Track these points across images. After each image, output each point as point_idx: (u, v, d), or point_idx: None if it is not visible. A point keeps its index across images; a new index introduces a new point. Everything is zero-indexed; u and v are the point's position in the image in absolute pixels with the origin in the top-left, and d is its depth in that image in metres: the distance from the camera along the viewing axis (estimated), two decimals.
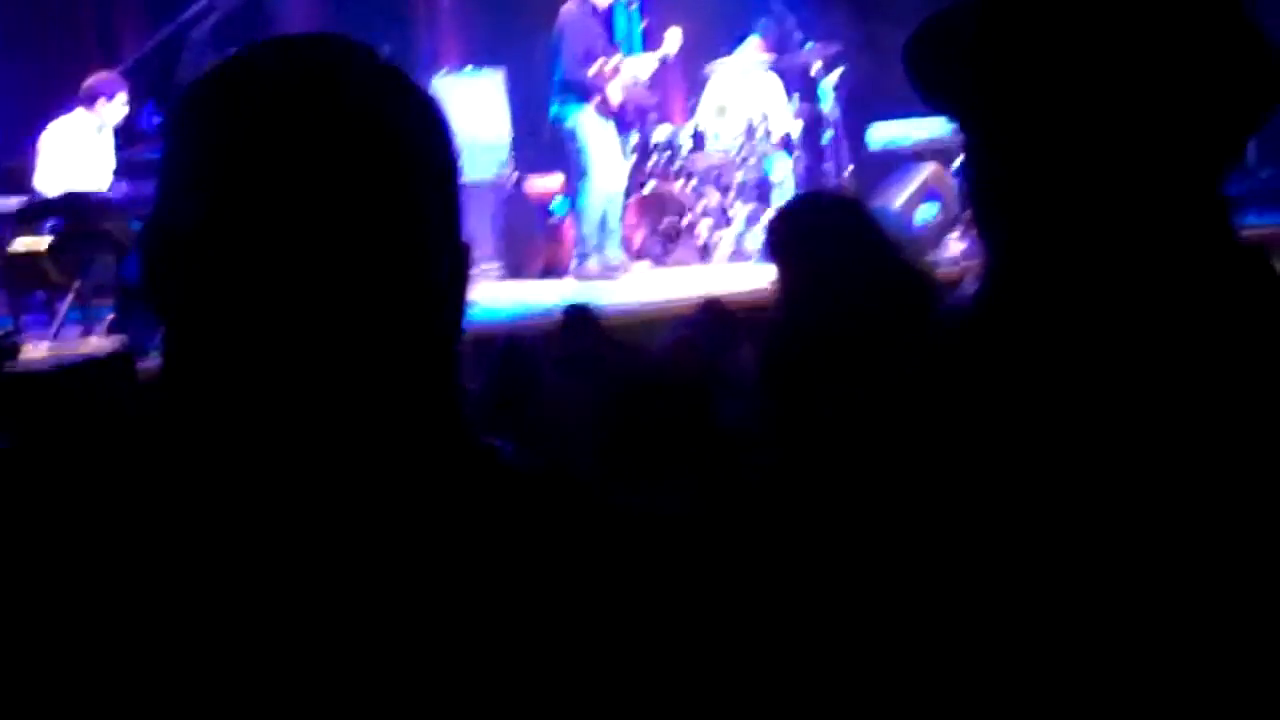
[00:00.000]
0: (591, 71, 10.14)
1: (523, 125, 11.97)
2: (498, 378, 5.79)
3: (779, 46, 11.24)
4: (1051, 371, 1.10)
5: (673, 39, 10.66)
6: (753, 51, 11.24)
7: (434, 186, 1.04)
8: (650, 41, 11.64)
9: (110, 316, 8.64)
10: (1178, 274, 1.12)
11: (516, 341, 6.49)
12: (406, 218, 1.00)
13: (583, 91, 10.12)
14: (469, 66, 12.35)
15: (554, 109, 10.33)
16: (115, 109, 9.22)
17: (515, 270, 10.81)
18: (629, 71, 10.47)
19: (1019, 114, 1.15)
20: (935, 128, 10.70)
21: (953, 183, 10.22)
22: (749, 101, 11.13)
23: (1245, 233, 1.18)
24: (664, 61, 10.86)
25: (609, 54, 10.37)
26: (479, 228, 11.14)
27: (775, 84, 11.34)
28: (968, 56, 1.18)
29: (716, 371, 5.90)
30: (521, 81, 12.13)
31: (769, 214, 10.70)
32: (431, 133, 1.06)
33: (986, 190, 1.20)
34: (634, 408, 3.87)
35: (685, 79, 12.31)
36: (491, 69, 12.29)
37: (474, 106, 11.94)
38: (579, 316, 7.10)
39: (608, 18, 11.09)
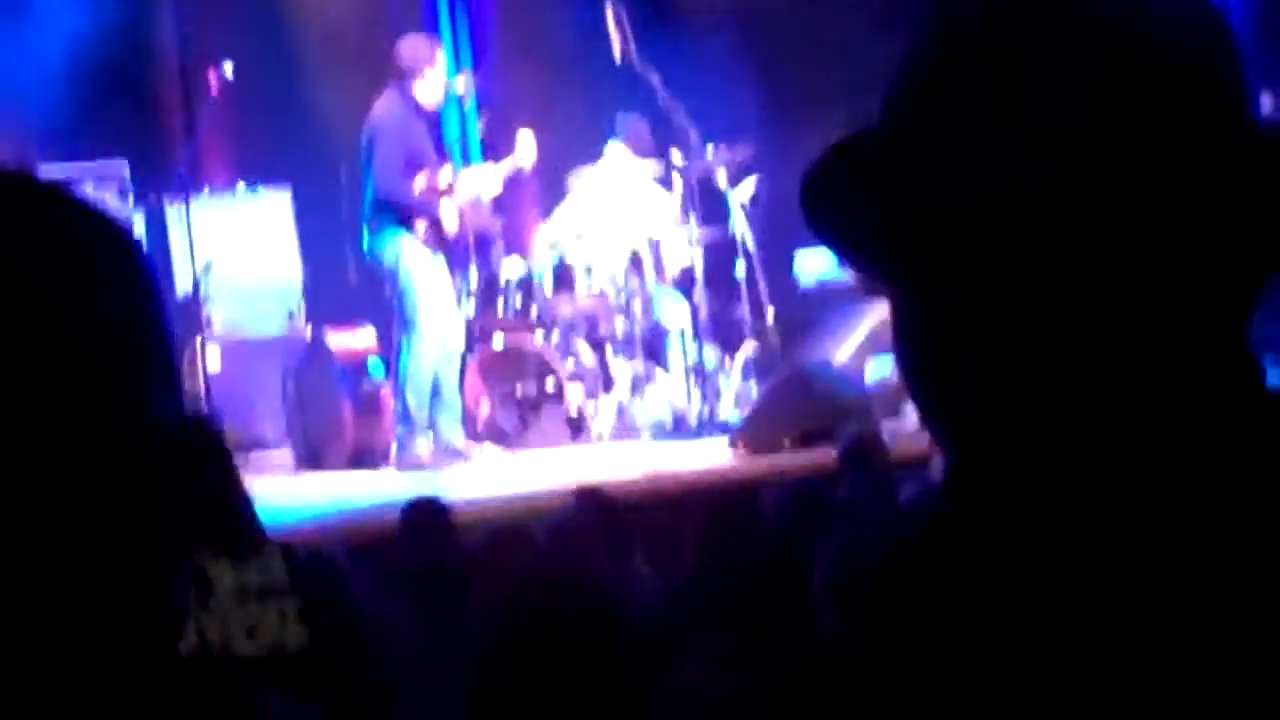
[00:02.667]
0: (417, 188, 10.15)
1: (319, 261, 11.91)
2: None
3: (663, 150, 11.31)
4: (1047, 599, 1.19)
5: (525, 144, 10.72)
6: (621, 159, 11.29)
7: (113, 357, 1.13)
8: (493, 149, 11.70)
9: None
10: (1197, 467, 1.18)
11: (322, 559, 6.28)
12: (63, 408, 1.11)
13: (404, 214, 10.16)
14: (241, 185, 12.28)
15: (366, 239, 10.31)
16: None
17: (313, 458, 10.66)
18: (467, 187, 10.52)
19: (963, 266, 1.19)
20: None
21: None
22: (630, 224, 11.12)
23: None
24: (515, 174, 10.89)
25: (439, 164, 10.42)
26: (262, 401, 10.98)
27: (666, 200, 11.36)
28: (894, 193, 1.22)
29: (606, 590, 5.72)
30: (316, 203, 12.10)
31: (669, 382, 10.70)
32: (110, 282, 1.15)
33: (928, 365, 1.24)
34: (527, 651, 3.81)
35: (543, 198, 12.32)
36: (274, 188, 12.24)
37: (251, 238, 11.88)
38: (427, 517, 6.94)
39: (436, 118, 11.13)
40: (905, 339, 1.26)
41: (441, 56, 10.49)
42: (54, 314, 1.13)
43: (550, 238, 11.32)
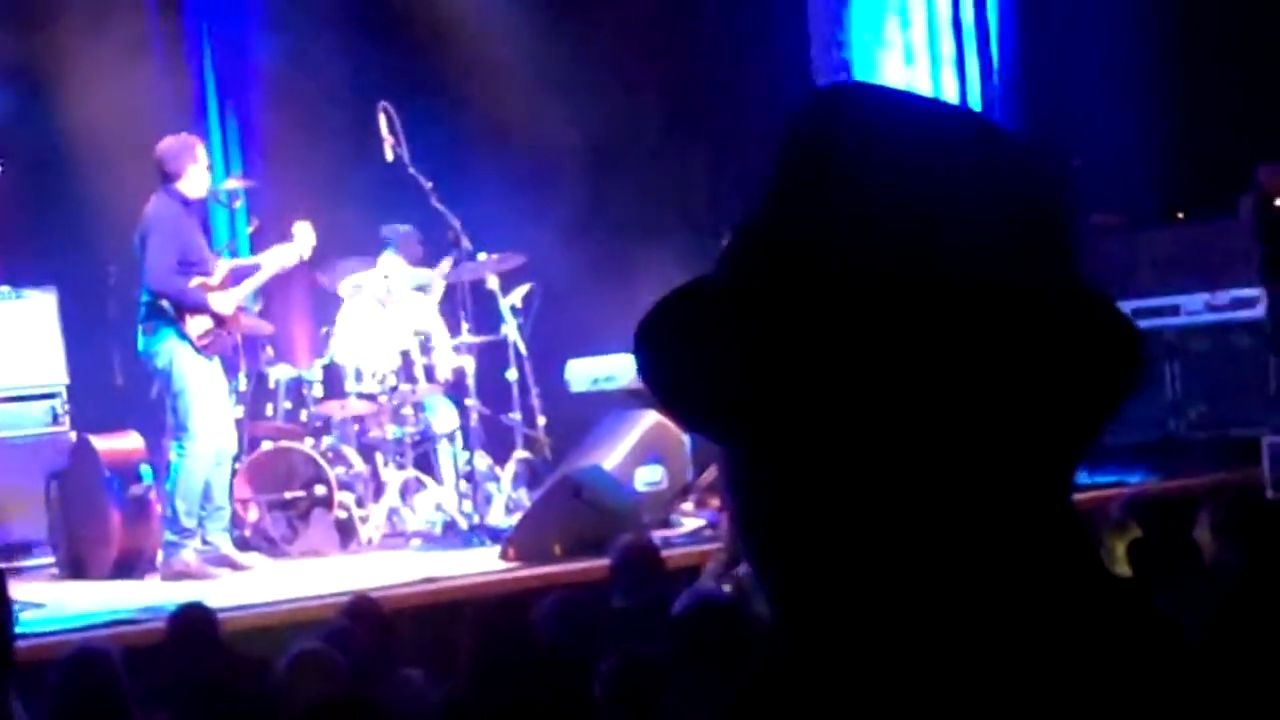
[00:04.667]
0: (190, 284, 10.05)
1: (85, 364, 11.68)
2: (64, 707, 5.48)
3: (434, 254, 11.30)
4: None
5: (303, 235, 10.60)
6: (395, 269, 11.25)
7: None
8: (264, 249, 11.55)
9: None
10: (1028, 628, 1.18)
11: (91, 652, 6.17)
12: None
13: (178, 311, 10.05)
14: (4, 287, 12.02)
15: (140, 339, 10.17)
16: None
17: (75, 566, 10.40)
18: (243, 285, 10.40)
19: (805, 425, 1.18)
20: None
21: (682, 440, 10.30)
22: (400, 329, 11.08)
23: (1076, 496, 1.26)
24: (288, 270, 10.77)
25: (211, 259, 10.37)
26: (25, 505, 10.73)
27: (432, 308, 11.35)
28: (732, 351, 1.18)
29: (368, 700, 5.71)
30: (82, 305, 11.88)
31: (440, 489, 10.64)
32: None
33: (766, 521, 1.22)
34: None
35: (310, 303, 12.24)
36: (39, 289, 11.99)
37: (14, 340, 11.61)
38: (195, 625, 6.83)
39: (203, 215, 11.02)
40: (743, 492, 1.24)
41: (201, 151, 10.36)
42: None
43: (341, 337, 11.22)
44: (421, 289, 11.37)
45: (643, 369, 1.24)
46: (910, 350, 1.16)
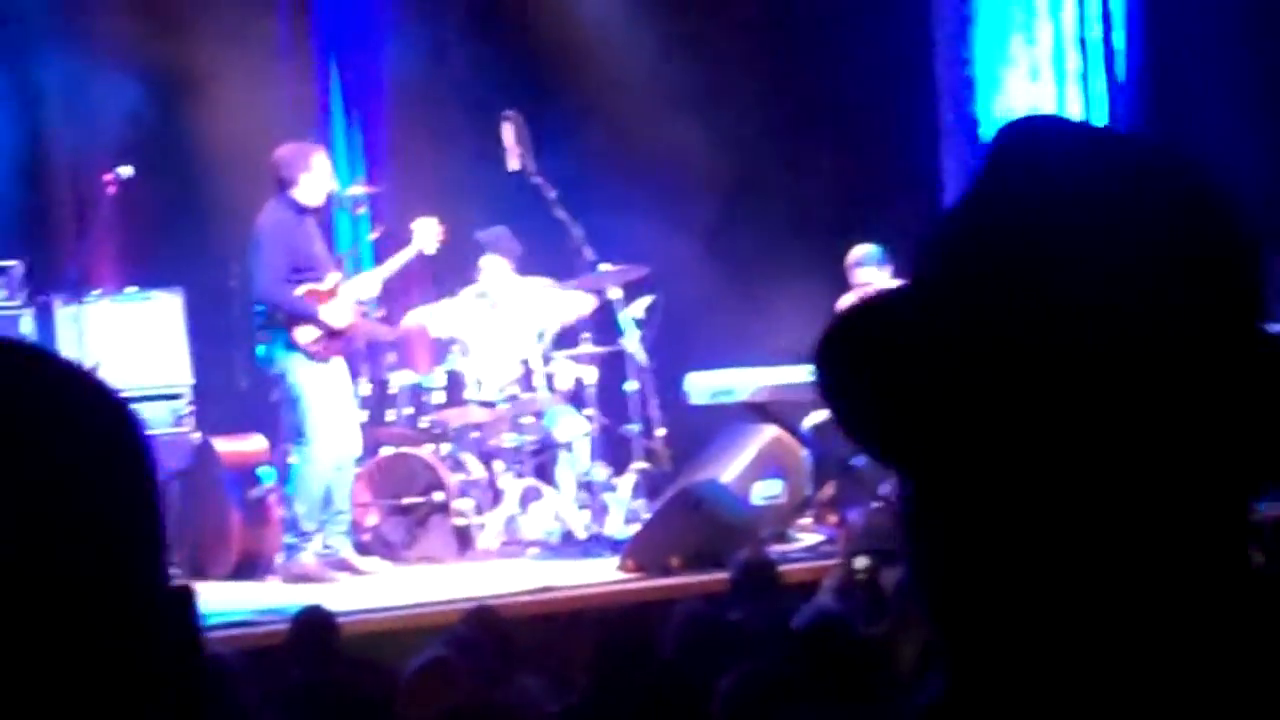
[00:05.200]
0: (299, 292, 10.12)
1: (209, 366, 11.78)
2: None
3: (560, 266, 11.31)
4: None
5: (426, 231, 10.64)
6: (498, 272, 11.22)
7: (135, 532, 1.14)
8: (386, 259, 11.61)
9: None
10: (1209, 683, 1.16)
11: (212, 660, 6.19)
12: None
13: (289, 321, 10.11)
14: (133, 288, 12.14)
15: (260, 347, 10.22)
16: None
17: (196, 568, 10.46)
18: (350, 290, 10.46)
19: (982, 455, 1.14)
20: (774, 378, 10.79)
21: (801, 454, 10.28)
22: (523, 337, 11.09)
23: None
24: (412, 262, 10.83)
25: (329, 265, 10.42)
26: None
27: (559, 315, 11.35)
28: (920, 366, 1.15)
29: (496, 707, 5.74)
30: (207, 308, 11.99)
31: (558, 498, 10.65)
32: (126, 461, 1.15)
33: (943, 568, 1.19)
34: None
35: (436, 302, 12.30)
36: (166, 291, 12.10)
37: (141, 341, 11.72)
38: (316, 629, 6.86)
39: (327, 220, 11.08)
40: (918, 534, 1.21)
41: (318, 159, 10.39)
42: (66, 484, 1.11)
43: (443, 346, 11.26)
44: (542, 296, 11.35)
45: (822, 383, 1.20)
46: (1091, 399, 1.14)
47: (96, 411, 1.15)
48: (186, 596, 1.15)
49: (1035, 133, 1.20)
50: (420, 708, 5.75)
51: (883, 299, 1.21)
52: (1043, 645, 1.16)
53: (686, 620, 6.43)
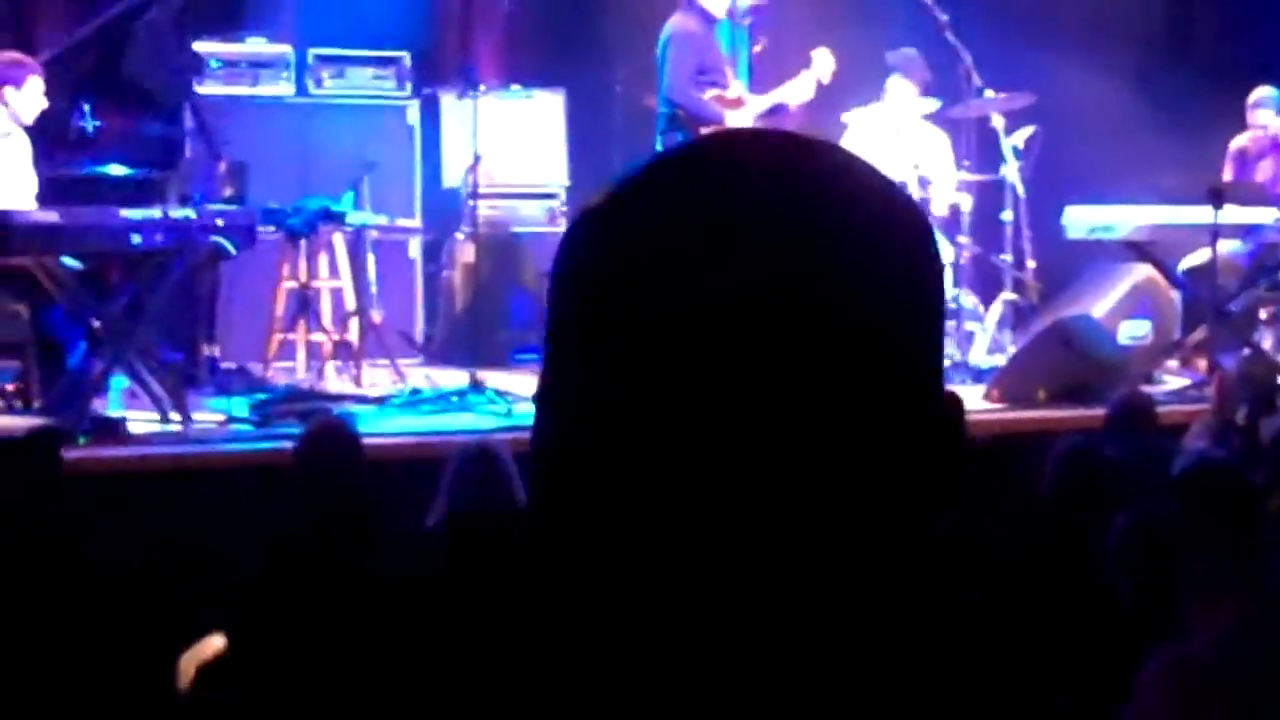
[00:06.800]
0: (708, 97, 10.21)
1: (586, 166, 11.95)
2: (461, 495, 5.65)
3: (945, 90, 11.19)
4: None
5: (823, 61, 10.64)
6: (904, 96, 11.17)
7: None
8: (760, 72, 11.61)
9: (13, 385, 8.51)
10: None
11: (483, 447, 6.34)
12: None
13: (695, 124, 10.18)
14: (515, 86, 12.33)
15: (660, 149, 10.31)
16: (28, 101, 9.07)
17: None
18: (758, 103, 10.56)
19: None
20: (1157, 216, 10.57)
21: (1173, 296, 10.10)
22: (902, 163, 11.02)
23: None
24: (807, 100, 10.84)
25: (727, 77, 10.51)
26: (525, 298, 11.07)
27: (940, 141, 11.26)
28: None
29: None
30: (587, 110, 12.14)
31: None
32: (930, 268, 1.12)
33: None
34: None
35: (814, 131, 12.27)
36: (547, 90, 12.26)
37: (521, 138, 11.94)
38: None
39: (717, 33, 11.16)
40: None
41: None
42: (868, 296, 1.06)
43: None
44: (924, 120, 11.26)
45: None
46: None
47: (913, 228, 1.11)
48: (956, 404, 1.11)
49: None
50: None
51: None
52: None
53: (1068, 454, 6.36)
